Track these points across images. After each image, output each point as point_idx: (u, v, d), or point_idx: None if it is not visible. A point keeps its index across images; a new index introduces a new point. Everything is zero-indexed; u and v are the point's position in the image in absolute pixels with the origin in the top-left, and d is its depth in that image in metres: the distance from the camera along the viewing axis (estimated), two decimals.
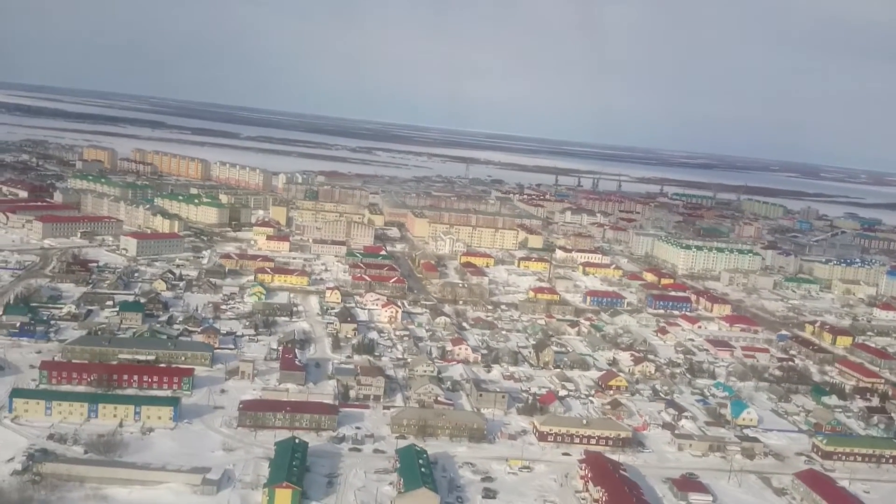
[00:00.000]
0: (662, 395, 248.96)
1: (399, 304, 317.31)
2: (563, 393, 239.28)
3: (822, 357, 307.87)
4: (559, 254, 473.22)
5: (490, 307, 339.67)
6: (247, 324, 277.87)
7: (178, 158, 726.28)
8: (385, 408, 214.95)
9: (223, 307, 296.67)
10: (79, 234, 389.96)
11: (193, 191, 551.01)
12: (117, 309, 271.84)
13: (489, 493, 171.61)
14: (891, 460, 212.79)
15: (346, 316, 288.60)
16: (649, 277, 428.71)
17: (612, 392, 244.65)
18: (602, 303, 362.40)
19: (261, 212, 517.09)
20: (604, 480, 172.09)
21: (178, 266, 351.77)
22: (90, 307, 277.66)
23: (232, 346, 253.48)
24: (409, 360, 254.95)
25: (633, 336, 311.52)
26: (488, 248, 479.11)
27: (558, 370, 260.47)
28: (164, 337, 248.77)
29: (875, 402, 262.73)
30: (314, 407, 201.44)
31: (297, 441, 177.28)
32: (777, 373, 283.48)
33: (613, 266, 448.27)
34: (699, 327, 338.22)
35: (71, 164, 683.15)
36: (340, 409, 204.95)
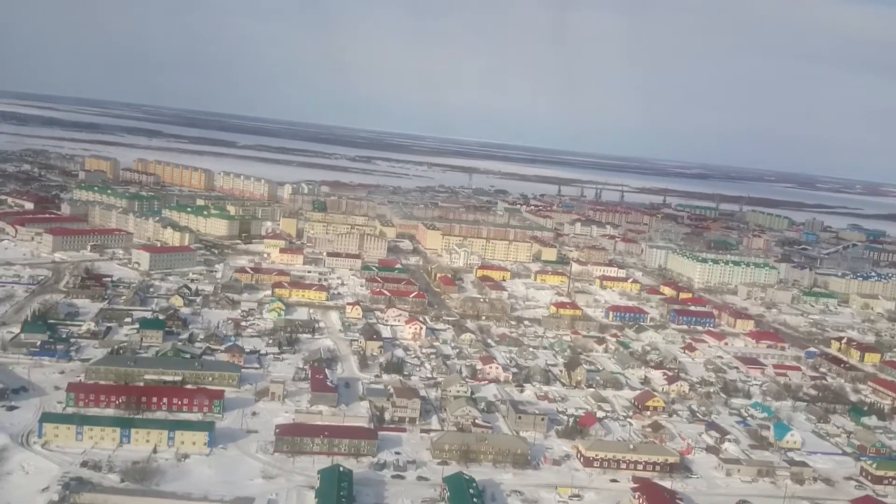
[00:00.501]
0: (700, 417, 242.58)
1: (421, 319, 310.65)
2: (600, 414, 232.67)
3: (853, 375, 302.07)
4: (574, 267, 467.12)
5: (513, 323, 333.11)
6: (270, 341, 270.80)
7: (181, 168, 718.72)
8: (422, 431, 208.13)
9: (243, 324, 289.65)
10: (89, 248, 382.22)
11: (200, 202, 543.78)
12: (137, 326, 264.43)
13: None
14: None
15: (371, 333, 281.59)
16: (667, 291, 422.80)
17: (649, 413, 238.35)
18: (624, 318, 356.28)
19: (268, 223, 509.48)
20: None
21: (192, 280, 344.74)
22: (108, 324, 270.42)
23: (257, 366, 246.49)
24: (439, 379, 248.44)
25: (661, 353, 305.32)
26: (502, 260, 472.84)
27: (592, 390, 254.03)
28: (189, 356, 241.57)
29: None
30: (353, 431, 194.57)
31: (341, 469, 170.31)
32: (812, 392, 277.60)
33: (631, 280, 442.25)
34: (725, 344, 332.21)
35: (73, 174, 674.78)
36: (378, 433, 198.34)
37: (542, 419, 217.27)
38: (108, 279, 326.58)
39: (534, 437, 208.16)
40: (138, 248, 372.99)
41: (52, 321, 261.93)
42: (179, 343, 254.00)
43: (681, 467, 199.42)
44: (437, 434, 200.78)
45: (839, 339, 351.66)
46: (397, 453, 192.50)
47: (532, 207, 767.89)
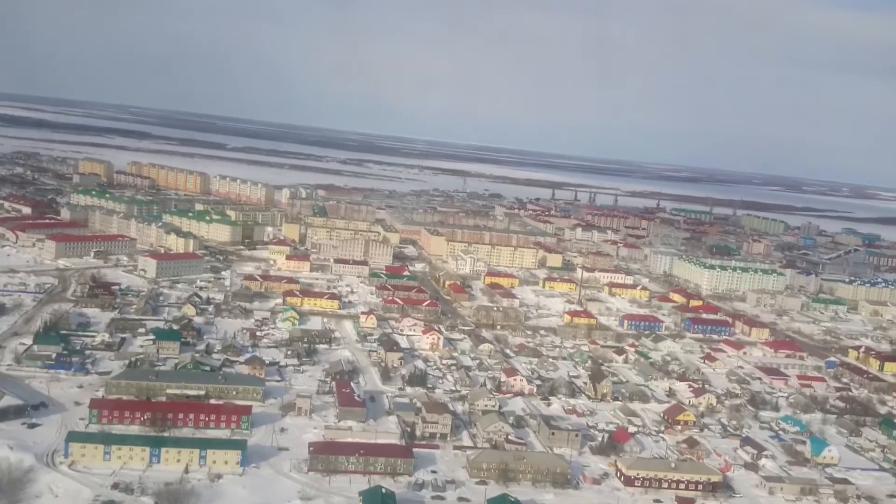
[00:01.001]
0: (732, 431, 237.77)
1: (438, 329, 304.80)
2: (631, 429, 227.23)
3: (877, 385, 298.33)
4: (580, 273, 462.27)
5: (529, 332, 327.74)
6: (289, 353, 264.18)
7: (176, 172, 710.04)
8: (455, 448, 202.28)
9: (258, 334, 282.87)
10: (92, 254, 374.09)
11: (199, 206, 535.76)
12: (153, 337, 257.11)
13: None
14: None
15: (391, 344, 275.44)
16: (678, 299, 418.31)
17: (679, 428, 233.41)
18: (639, 327, 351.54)
19: (269, 228, 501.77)
20: None
21: (200, 288, 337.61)
22: (122, 335, 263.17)
23: (279, 378, 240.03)
24: (464, 392, 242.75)
25: (682, 364, 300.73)
26: (507, 266, 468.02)
27: (620, 403, 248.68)
28: (209, 369, 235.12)
29: None
30: (388, 449, 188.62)
31: (384, 491, 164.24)
32: (839, 404, 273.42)
33: (640, 287, 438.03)
34: (744, 353, 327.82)
35: (67, 177, 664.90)
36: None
37: (576, 435, 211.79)
38: (117, 287, 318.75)
39: (570, 455, 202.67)
40: (145, 255, 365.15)
41: (64, 332, 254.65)
42: (197, 355, 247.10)
43: (723, 486, 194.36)
44: (474, 452, 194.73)
45: (857, 348, 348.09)
46: (433, 472, 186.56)
47: (530, 212, 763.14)
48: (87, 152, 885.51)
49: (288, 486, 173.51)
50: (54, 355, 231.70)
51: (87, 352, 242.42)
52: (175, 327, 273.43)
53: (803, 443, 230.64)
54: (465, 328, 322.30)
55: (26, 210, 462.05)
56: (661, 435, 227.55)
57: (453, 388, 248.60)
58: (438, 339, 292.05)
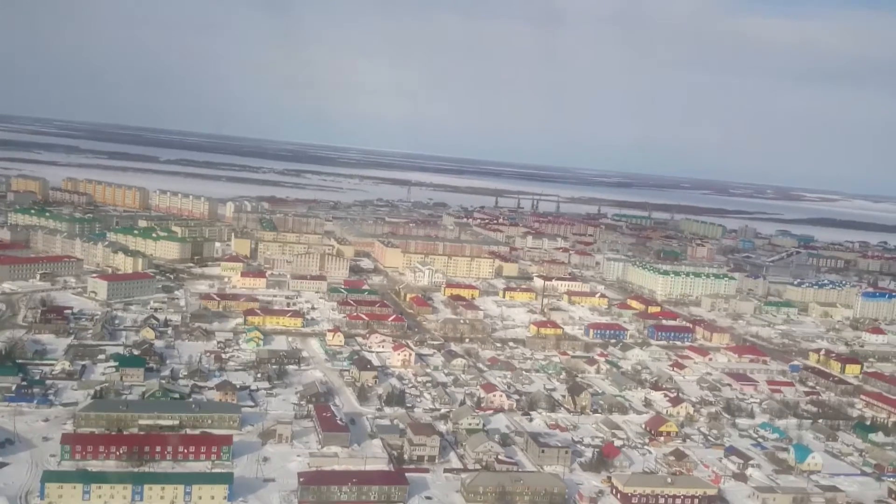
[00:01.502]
0: (714, 440, 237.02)
1: (408, 345, 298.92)
2: (617, 443, 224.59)
3: (843, 388, 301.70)
4: (538, 282, 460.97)
5: (498, 345, 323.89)
6: (258, 375, 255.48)
7: (114, 187, 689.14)
8: (446, 471, 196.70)
9: (223, 356, 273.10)
10: (38, 276, 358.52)
11: (143, 223, 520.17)
12: (115, 364, 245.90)
13: None
14: None
15: (364, 362, 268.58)
16: (636, 305, 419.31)
17: (662, 439, 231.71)
18: (605, 335, 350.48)
19: (217, 244, 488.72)
20: None
21: (155, 310, 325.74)
22: (82, 362, 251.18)
23: (251, 404, 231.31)
24: (444, 410, 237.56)
25: (653, 372, 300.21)
26: (464, 277, 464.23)
27: (602, 416, 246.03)
28: (178, 396, 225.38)
29: None
30: (380, 477, 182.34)
31: None
32: (811, 408, 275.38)
33: (598, 294, 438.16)
34: (710, 360, 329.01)
35: (0, 195, 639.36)
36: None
37: (566, 452, 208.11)
38: (69, 311, 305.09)
39: (563, 472, 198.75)
40: (95, 277, 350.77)
41: (20, 361, 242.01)
42: (163, 382, 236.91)
43: (717, 499, 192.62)
44: (468, 475, 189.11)
45: (817, 351, 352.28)
46: (428, 498, 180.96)
47: (478, 221, 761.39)
48: (17, 168, 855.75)
49: None
50: (14, 387, 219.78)
51: (48, 381, 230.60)
52: (136, 352, 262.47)
53: (785, 450, 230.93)
54: (435, 343, 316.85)
55: None
56: (646, 448, 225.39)
57: (432, 407, 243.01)
58: (410, 355, 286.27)
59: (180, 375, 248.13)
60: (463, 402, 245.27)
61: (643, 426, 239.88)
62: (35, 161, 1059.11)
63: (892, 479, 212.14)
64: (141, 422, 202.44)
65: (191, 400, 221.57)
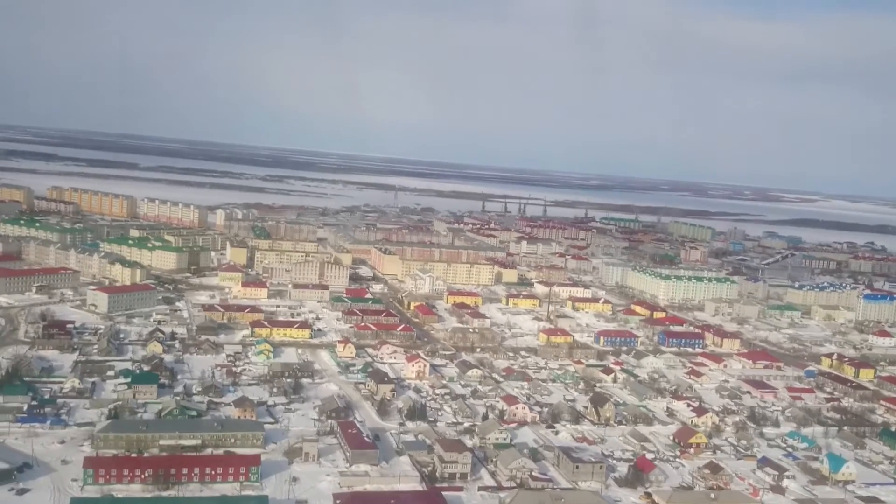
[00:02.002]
0: (744, 451, 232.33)
1: (421, 355, 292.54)
2: (648, 456, 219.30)
3: (861, 394, 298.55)
4: (539, 288, 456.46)
5: (510, 354, 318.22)
6: (274, 390, 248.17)
7: (101, 196, 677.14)
8: (481, 489, 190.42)
9: (234, 370, 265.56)
10: (34, 289, 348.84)
11: (134, 232, 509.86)
12: (127, 381, 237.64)
13: None
14: None
15: (381, 375, 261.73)
16: (641, 311, 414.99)
17: (693, 451, 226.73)
18: (615, 343, 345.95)
19: (212, 253, 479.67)
20: None
21: (159, 322, 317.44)
22: (91, 379, 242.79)
23: (271, 420, 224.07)
24: (466, 424, 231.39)
25: (670, 381, 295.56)
26: (464, 284, 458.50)
27: (629, 428, 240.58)
28: (195, 413, 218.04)
29: None
30: (418, 497, 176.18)
31: None
32: (833, 415, 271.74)
33: (602, 300, 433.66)
34: (725, 366, 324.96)
35: None
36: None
37: (601, 467, 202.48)
38: (71, 326, 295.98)
39: (601, 489, 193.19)
40: (94, 289, 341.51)
41: (27, 379, 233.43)
42: (178, 398, 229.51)
43: None
44: (508, 494, 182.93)
45: (829, 356, 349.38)
46: None
47: (469, 226, 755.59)
48: None
49: None
50: (25, 407, 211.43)
51: (59, 400, 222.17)
52: (146, 368, 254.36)
53: (815, 459, 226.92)
54: (446, 353, 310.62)
55: None
56: (678, 460, 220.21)
57: (455, 421, 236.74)
58: (425, 366, 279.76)
59: (194, 391, 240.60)
60: (486, 416, 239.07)
61: (672, 438, 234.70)
62: (14, 169, 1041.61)
63: None
64: (162, 442, 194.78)
65: (210, 418, 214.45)
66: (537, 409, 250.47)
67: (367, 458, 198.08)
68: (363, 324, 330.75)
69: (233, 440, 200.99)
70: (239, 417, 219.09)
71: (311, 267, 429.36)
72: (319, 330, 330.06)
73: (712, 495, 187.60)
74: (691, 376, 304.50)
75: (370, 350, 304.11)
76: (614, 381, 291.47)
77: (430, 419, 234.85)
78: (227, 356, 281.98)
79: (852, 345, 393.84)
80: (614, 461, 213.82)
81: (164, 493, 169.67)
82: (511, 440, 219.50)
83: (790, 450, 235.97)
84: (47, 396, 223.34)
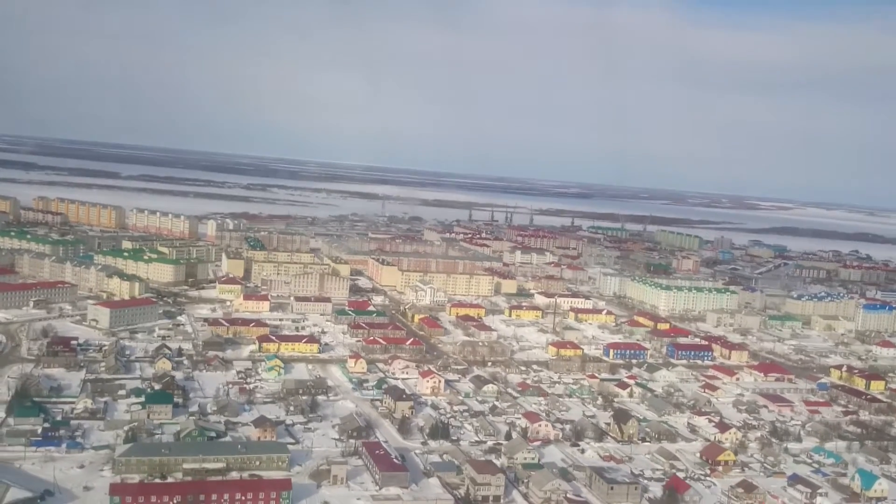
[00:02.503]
0: (771, 468, 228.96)
1: (435, 370, 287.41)
2: (680, 475, 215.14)
3: (877, 407, 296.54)
4: (539, 299, 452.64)
5: (522, 368, 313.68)
6: (291, 408, 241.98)
7: (88, 206, 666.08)
8: None
9: (246, 387, 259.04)
10: (31, 304, 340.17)
11: (127, 244, 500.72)
12: (141, 400, 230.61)
13: None
14: None
15: (399, 392, 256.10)
16: (645, 322, 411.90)
17: (721, 469, 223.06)
18: (625, 355, 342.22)
19: (208, 265, 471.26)
20: None
21: (163, 338, 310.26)
22: (102, 399, 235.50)
23: (292, 440, 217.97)
24: (491, 443, 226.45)
25: (686, 395, 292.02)
26: (463, 295, 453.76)
27: (655, 445, 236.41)
28: (214, 434, 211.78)
29: None
30: None
31: None
32: (853, 429, 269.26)
33: (605, 311, 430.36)
34: (737, 379, 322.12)
35: None
36: None
37: (636, 488, 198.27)
38: (75, 342, 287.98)
39: None
40: (96, 304, 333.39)
41: (37, 399, 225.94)
42: (193, 418, 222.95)
43: None
44: None
45: (838, 368, 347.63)
46: None
47: (460, 235, 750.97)
48: None
49: None
50: (39, 429, 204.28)
51: (73, 422, 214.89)
52: (157, 386, 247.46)
53: (843, 475, 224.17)
54: (458, 367, 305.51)
55: None
56: (709, 479, 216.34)
57: (478, 439, 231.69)
58: (440, 382, 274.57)
59: (209, 410, 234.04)
60: (509, 434, 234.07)
61: (699, 455, 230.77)
62: None
63: None
64: (185, 465, 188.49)
65: (230, 439, 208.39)
66: (559, 426, 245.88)
67: (397, 481, 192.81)
68: (372, 338, 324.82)
69: (258, 463, 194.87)
70: (259, 438, 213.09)
71: (310, 279, 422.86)
72: (327, 344, 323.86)
73: None
74: (706, 390, 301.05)
75: (381, 365, 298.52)
76: (630, 395, 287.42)
77: (454, 438, 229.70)
78: (238, 373, 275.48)
79: (857, 356, 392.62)
80: (646, 481, 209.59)
81: None
82: (539, 460, 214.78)
83: (817, 466, 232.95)
84: (59, 418, 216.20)
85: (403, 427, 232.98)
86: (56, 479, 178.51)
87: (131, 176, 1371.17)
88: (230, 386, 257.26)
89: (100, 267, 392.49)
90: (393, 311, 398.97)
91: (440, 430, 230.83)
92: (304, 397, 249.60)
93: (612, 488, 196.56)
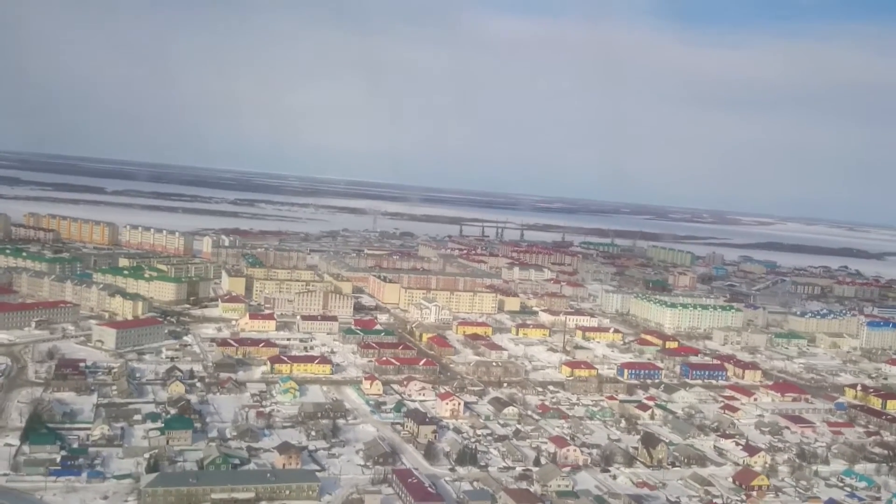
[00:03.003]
0: (803, 492, 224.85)
1: (454, 392, 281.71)
2: (717, 502, 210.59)
3: None
4: (544, 317, 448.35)
5: (539, 389, 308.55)
6: (312, 433, 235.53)
7: (80, 223, 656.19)
8: None
9: (263, 410, 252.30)
10: (33, 325, 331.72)
11: (124, 261, 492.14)
12: (159, 426, 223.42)
13: None
14: None
15: (421, 416, 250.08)
16: (654, 341, 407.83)
17: (756, 494, 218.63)
18: (640, 376, 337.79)
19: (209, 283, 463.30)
20: None
21: (172, 359, 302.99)
22: (118, 425, 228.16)
23: (317, 468, 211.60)
24: (520, 469, 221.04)
25: (707, 417, 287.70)
26: (467, 313, 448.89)
27: (686, 470, 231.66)
28: (238, 462, 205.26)
29: None
30: None
31: None
32: (880, 451, 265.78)
33: (612, 330, 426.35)
34: (755, 400, 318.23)
35: None
36: None
37: None
38: (83, 365, 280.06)
39: None
40: (101, 324, 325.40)
41: (51, 425, 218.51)
42: (214, 444, 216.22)
43: None
44: None
45: (853, 386, 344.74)
46: None
47: (455, 251, 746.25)
48: None
49: None
50: (58, 458, 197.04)
51: (91, 449, 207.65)
52: (172, 410, 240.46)
53: (877, 499, 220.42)
54: (475, 388, 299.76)
55: None
56: None
57: (506, 465, 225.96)
58: (459, 404, 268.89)
59: (228, 436, 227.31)
60: (537, 460, 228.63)
61: (732, 480, 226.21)
62: None
63: None
64: (213, 496, 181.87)
65: (255, 467, 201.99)
66: (585, 450, 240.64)
67: None
68: (385, 358, 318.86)
69: (287, 492, 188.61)
70: (284, 465, 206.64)
71: (314, 297, 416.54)
72: (338, 365, 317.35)
73: None
74: (727, 411, 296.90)
75: (396, 386, 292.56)
76: (651, 417, 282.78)
77: (482, 464, 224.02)
78: (252, 395, 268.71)
79: (867, 374, 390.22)
80: None
81: None
82: (573, 487, 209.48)
83: (850, 489, 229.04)
84: (76, 445, 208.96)
85: (429, 453, 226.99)
86: None
87: (117, 191, 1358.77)
88: (247, 409, 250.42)
89: (101, 286, 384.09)
90: (399, 330, 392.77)
91: (468, 456, 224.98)
92: (325, 421, 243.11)
93: None
